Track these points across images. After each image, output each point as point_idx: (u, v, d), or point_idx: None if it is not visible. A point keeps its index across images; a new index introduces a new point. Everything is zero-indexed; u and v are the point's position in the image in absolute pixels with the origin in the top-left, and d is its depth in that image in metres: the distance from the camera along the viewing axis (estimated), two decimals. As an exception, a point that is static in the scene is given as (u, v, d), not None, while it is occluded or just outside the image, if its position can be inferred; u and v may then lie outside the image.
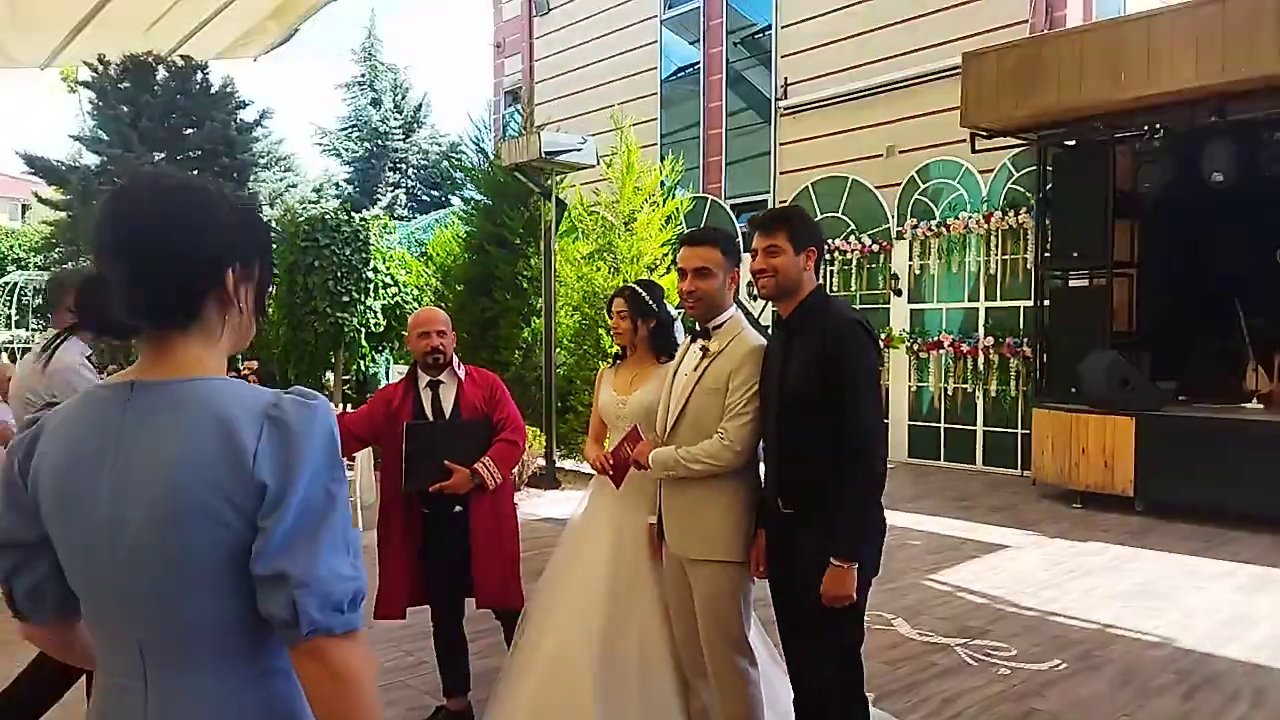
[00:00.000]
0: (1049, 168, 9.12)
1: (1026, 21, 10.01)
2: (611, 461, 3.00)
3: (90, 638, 1.26)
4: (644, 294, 3.29)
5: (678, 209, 10.25)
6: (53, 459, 1.18)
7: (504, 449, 3.43)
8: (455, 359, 3.54)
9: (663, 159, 11.30)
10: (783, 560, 2.70)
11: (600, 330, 8.98)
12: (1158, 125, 8.01)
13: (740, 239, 12.08)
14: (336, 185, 25.96)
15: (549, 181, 8.48)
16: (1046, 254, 9.12)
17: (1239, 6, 7.36)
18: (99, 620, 1.20)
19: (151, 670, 1.16)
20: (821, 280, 2.80)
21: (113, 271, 1.14)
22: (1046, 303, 9.14)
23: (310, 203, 19.55)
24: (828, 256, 10.69)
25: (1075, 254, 8.75)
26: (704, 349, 2.86)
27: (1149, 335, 9.15)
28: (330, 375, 11.67)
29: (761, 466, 2.82)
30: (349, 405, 7.71)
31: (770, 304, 2.79)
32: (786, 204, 11.67)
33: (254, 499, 1.11)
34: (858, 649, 2.64)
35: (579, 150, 8.26)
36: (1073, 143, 8.90)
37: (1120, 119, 8.24)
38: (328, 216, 11.64)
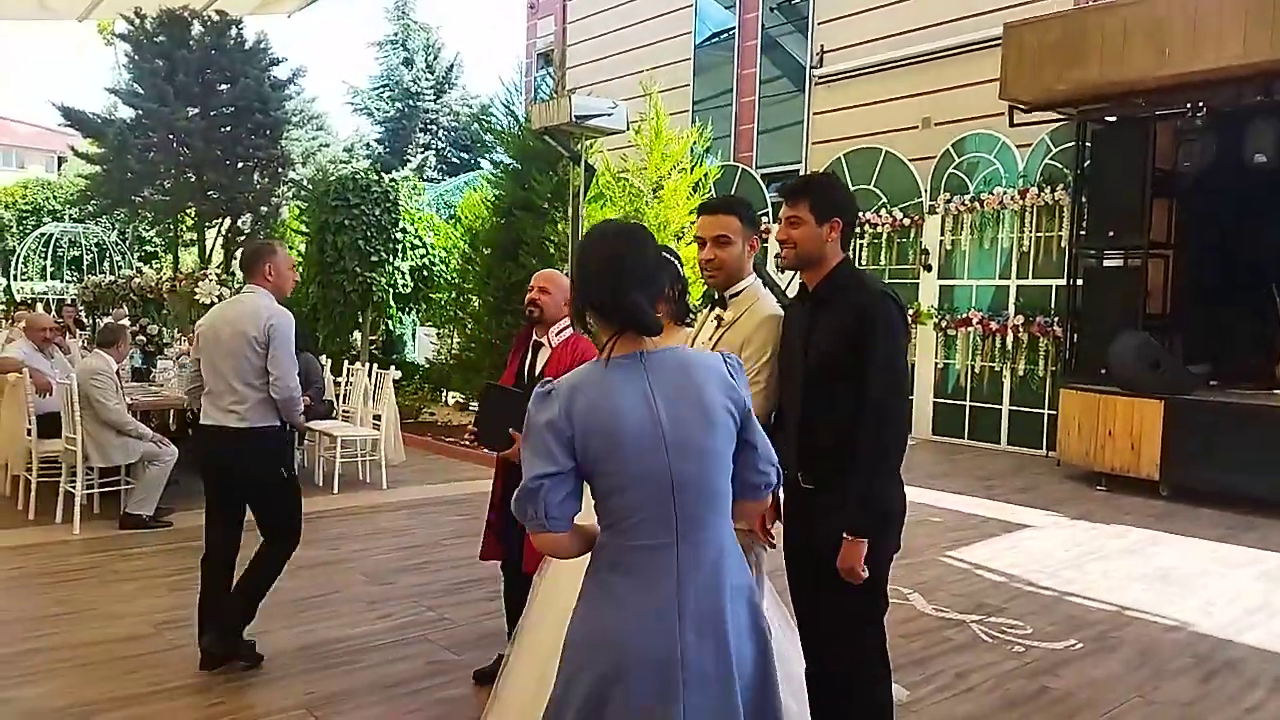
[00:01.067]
0: (1088, 144, 8.95)
1: (1070, -8, 9.77)
2: None
3: (612, 521, 1.79)
4: (673, 262, 3.28)
5: (706, 176, 10.16)
6: (601, 408, 1.73)
7: None
8: (564, 324, 3.53)
9: (694, 125, 11.19)
10: (801, 532, 2.69)
11: (626, 297, 8.96)
12: (1200, 103, 7.82)
13: (770, 208, 12.01)
14: (368, 145, 26.02)
15: (578, 146, 8.43)
16: (1082, 232, 8.97)
17: (1292, -19, 7.14)
18: (644, 506, 1.75)
19: (681, 532, 1.75)
20: (851, 253, 2.75)
21: (643, 295, 1.80)
22: (1079, 282, 9.00)
23: (342, 162, 19.58)
24: (857, 230, 10.57)
25: (1111, 233, 8.60)
26: (718, 318, 2.85)
27: (1183, 318, 8.99)
28: (358, 335, 11.80)
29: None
30: (376, 365, 7.77)
31: (796, 275, 2.75)
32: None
33: (739, 406, 1.82)
34: (878, 622, 2.63)
35: (609, 115, 8.17)
36: (1113, 119, 8.71)
37: (1162, 95, 8.05)
38: (358, 176, 11.69)
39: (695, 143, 10.26)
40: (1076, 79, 8.23)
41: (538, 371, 3.55)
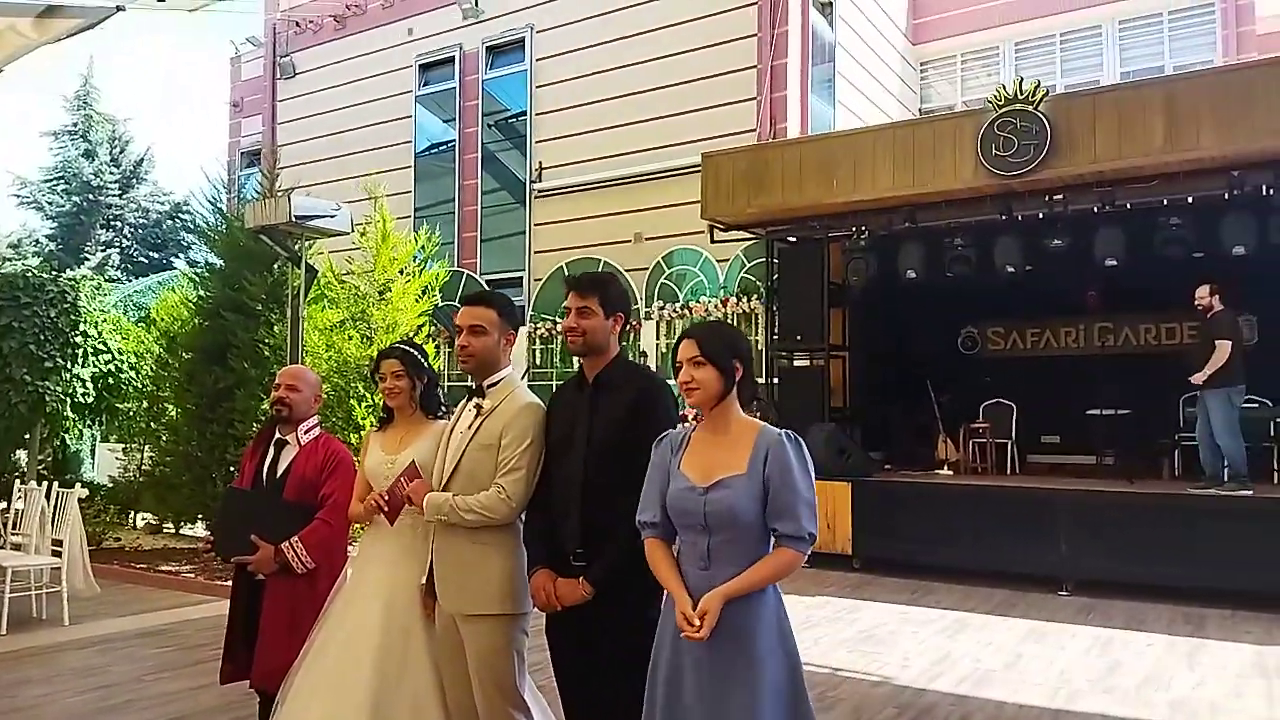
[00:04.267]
0: (775, 259, 10.14)
1: (755, 130, 11.17)
2: (387, 499, 2.96)
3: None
4: (415, 353, 3.32)
5: (434, 281, 10.21)
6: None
7: (317, 528, 3.30)
8: (313, 422, 3.46)
9: (417, 231, 11.24)
10: (569, 610, 2.76)
11: (353, 401, 8.66)
12: (863, 227, 9.20)
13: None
14: (37, 241, 23.18)
15: (297, 246, 8.17)
16: (775, 336, 10.06)
17: (926, 130, 8.74)
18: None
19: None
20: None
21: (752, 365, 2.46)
22: (776, 380, 10.04)
23: (6, 259, 17.24)
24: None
25: (798, 337, 9.75)
26: (478, 407, 2.94)
27: (860, 410, 10.29)
28: (23, 453, 10.28)
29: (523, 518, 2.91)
30: (55, 484, 6.80)
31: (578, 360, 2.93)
32: (543, 284, 12.03)
33: None
34: (641, 695, 2.74)
35: (332, 217, 8.05)
36: (794, 239, 10.00)
37: (832, 220, 9.39)
38: (29, 275, 10.39)
39: (422, 246, 10.31)
40: (763, 203, 9.39)
41: (280, 471, 3.40)
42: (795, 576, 8.47)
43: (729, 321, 10.77)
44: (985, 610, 6.92)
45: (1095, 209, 8.08)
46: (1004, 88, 8.12)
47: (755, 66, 11.29)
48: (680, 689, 2.32)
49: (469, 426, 2.92)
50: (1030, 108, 7.87)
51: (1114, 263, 8.27)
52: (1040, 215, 8.38)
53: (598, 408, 2.79)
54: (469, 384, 3.06)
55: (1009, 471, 9.90)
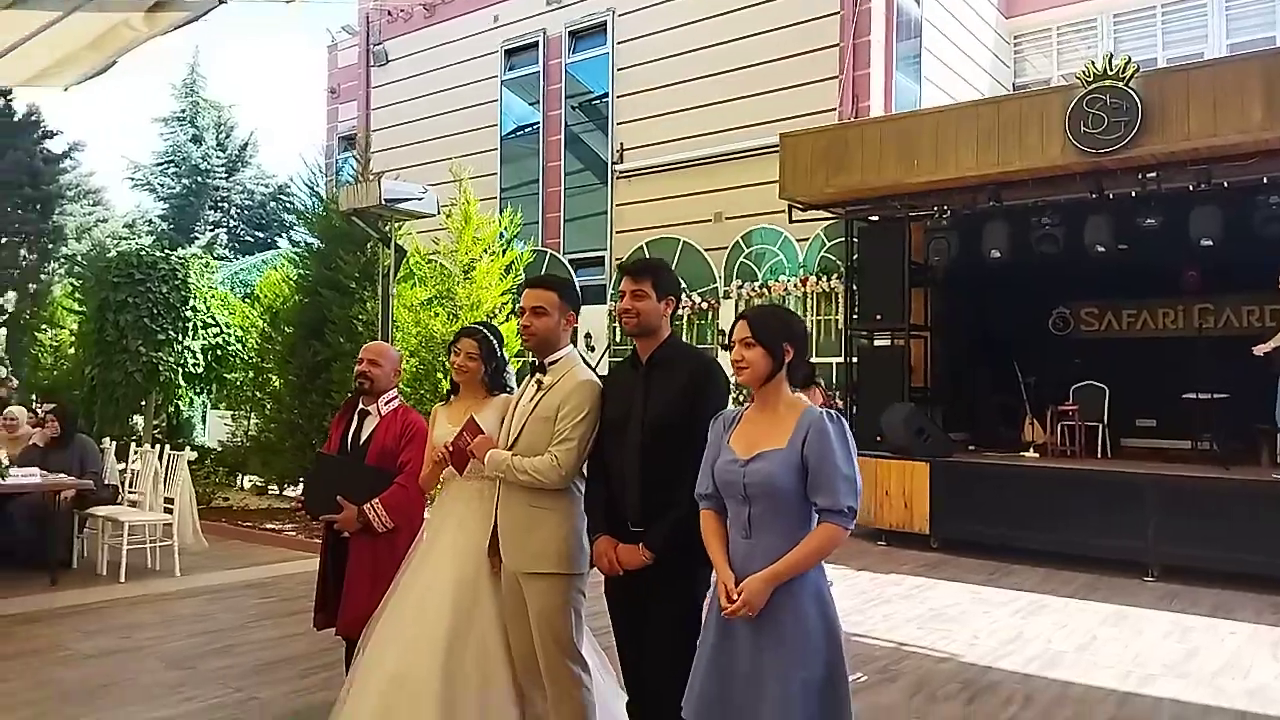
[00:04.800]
0: (855, 239, 10.07)
1: (836, 109, 11.07)
2: (451, 449, 3.17)
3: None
4: (493, 338, 3.51)
5: (517, 260, 10.50)
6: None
7: (395, 492, 3.55)
8: (393, 394, 3.71)
9: (502, 212, 11.54)
10: (624, 574, 2.92)
11: (439, 375, 9.02)
12: (945, 206, 9.06)
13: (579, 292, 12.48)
14: (150, 221, 24.54)
15: (387, 228, 8.52)
16: (854, 316, 10.01)
17: (1011, 108, 8.54)
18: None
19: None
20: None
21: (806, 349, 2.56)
22: (855, 360, 10.00)
23: (121, 238, 18.37)
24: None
25: (878, 316, 9.67)
26: (539, 382, 3.13)
27: (942, 390, 10.16)
28: (139, 419, 11.02)
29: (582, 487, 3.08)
30: (166, 447, 7.33)
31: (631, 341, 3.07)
32: (624, 260, 12.20)
33: None
34: (692, 654, 2.89)
35: (419, 200, 8.37)
36: (875, 218, 9.90)
37: (913, 199, 9.27)
38: (143, 253, 11.11)
39: (505, 228, 10.60)
40: (842, 183, 9.32)
41: (363, 439, 3.65)
42: (868, 553, 8.51)
43: (810, 300, 10.78)
44: (1064, 593, 6.83)
45: (1190, 187, 7.79)
46: (1093, 64, 7.86)
47: (837, 45, 11.18)
48: (723, 651, 2.45)
49: (530, 400, 3.11)
50: (1120, 84, 7.61)
51: (1210, 242, 7.94)
52: (1133, 193, 8.10)
53: (651, 386, 2.93)
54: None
55: (1100, 455, 9.65)
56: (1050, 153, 8.12)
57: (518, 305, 3.29)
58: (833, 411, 2.53)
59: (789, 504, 2.40)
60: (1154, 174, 7.90)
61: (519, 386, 3.31)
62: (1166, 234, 8.17)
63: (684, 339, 11.51)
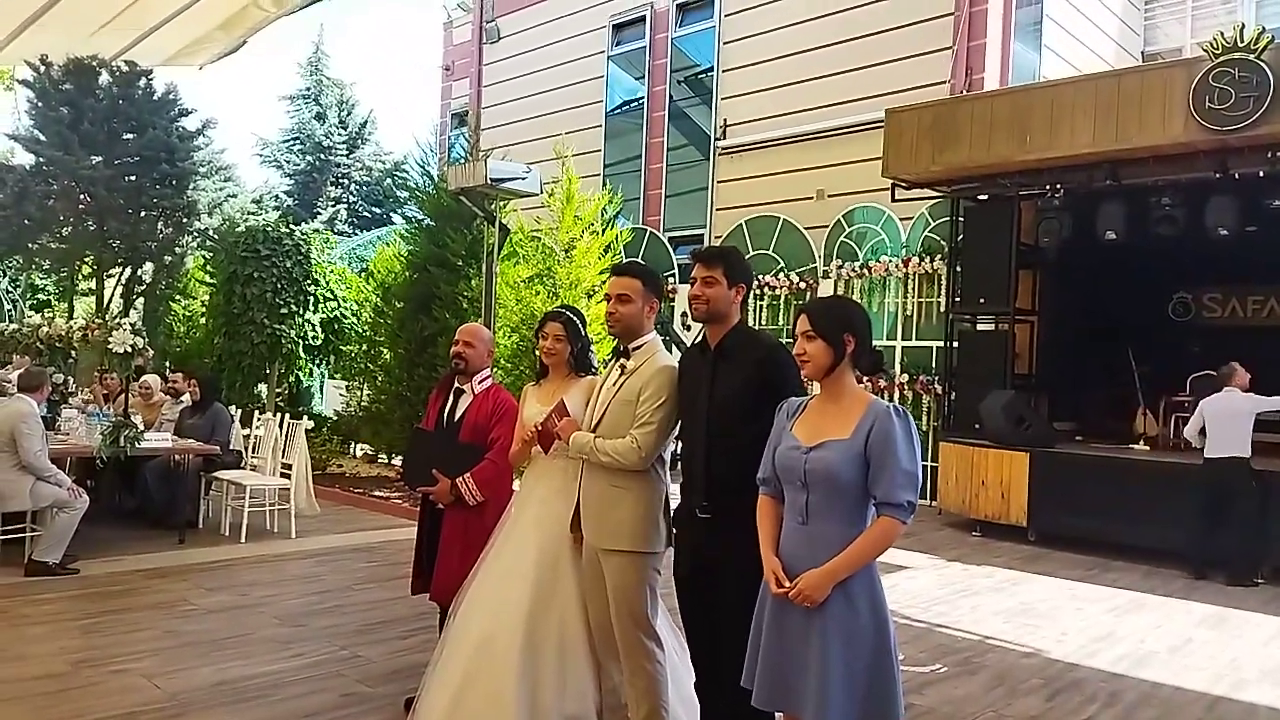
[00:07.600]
0: (960, 219, 9.80)
1: (947, 82, 10.74)
2: (540, 429, 3.35)
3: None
4: (577, 320, 3.67)
5: (617, 238, 10.65)
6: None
7: (486, 468, 3.76)
8: (486, 374, 3.92)
9: (605, 188, 11.71)
10: (691, 557, 3.05)
11: (538, 351, 9.27)
12: (1058, 185, 8.71)
13: (677, 270, 12.58)
14: (276, 197, 25.81)
15: (492, 206, 8.80)
16: (957, 298, 9.76)
17: (1132, 81, 8.12)
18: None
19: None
20: (750, 314, 3.21)
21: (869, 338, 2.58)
22: (955, 344, 9.77)
23: (250, 213, 19.43)
24: (758, 290, 11.21)
25: (982, 299, 9.41)
26: (622, 366, 3.26)
27: (1048, 378, 9.83)
28: (263, 387, 11.74)
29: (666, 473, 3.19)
30: (287, 416, 7.84)
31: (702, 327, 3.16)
32: (723, 241, 12.22)
33: None
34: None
35: (524, 179, 8.60)
36: (983, 197, 9.60)
37: (1024, 177, 8.93)
38: (269, 228, 11.76)
39: (606, 206, 10.76)
40: (949, 161, 9.07)
41: (458, 416, 3.88)
42: (962, 543, 8.37)
43: (911, 281, 10.57)
44: (1164, 592, 6.61)
45: (1327, 167, 7.28)
46: (1221, 35, 7.40)
47: (951, 14, 10.83)
48: (779, 632, 2.54)
49: (614, 384, 3.25)
50: (1252, 56, 7.15)
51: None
52: (1260, 173, 7.63)
53: (718, 373, 3.01)
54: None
55: (1216, 449, 9.16)
56: (1172, 129, 7.71)
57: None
58: (898, 405, 2.57)
59: (847, 494, 2.46)
60: (1286, 153, 7.41)
61: (605, 370, 3.46)
62: (1298, 216, 7.68)
63: (780, 319, 11.51)
